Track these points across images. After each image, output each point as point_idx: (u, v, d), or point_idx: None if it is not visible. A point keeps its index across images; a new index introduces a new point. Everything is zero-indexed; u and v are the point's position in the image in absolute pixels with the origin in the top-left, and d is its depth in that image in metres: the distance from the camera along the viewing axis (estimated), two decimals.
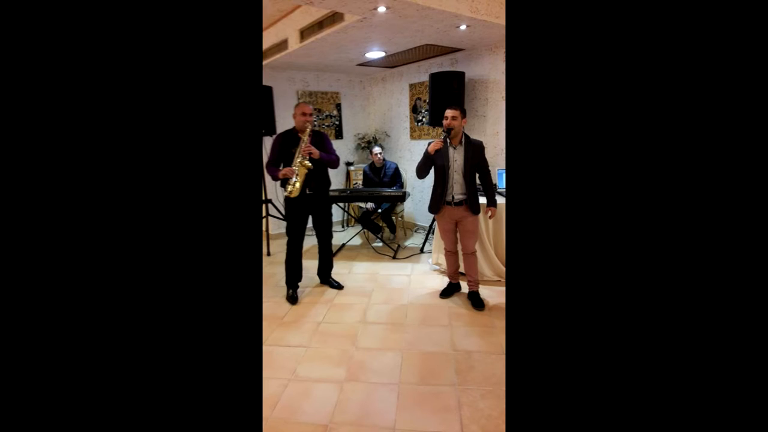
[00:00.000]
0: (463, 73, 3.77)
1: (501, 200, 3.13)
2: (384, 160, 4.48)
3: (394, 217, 4.52)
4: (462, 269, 2.98)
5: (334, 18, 2.96)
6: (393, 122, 5.19)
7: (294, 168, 2.74)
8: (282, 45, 3.73)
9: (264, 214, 4.31)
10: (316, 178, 2.87)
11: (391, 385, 1.98)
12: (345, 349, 2.33)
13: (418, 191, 4.81)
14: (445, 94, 3.62)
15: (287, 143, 2.84)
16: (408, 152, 5.01)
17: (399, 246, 4.26)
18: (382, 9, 2.53)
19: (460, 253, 2.90)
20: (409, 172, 4.70)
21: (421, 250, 4.12)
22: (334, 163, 2.94)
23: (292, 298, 2.99)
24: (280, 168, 2.83)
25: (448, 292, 3.03)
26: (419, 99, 4.70)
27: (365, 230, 4.46)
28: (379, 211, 4.35)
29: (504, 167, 3.61)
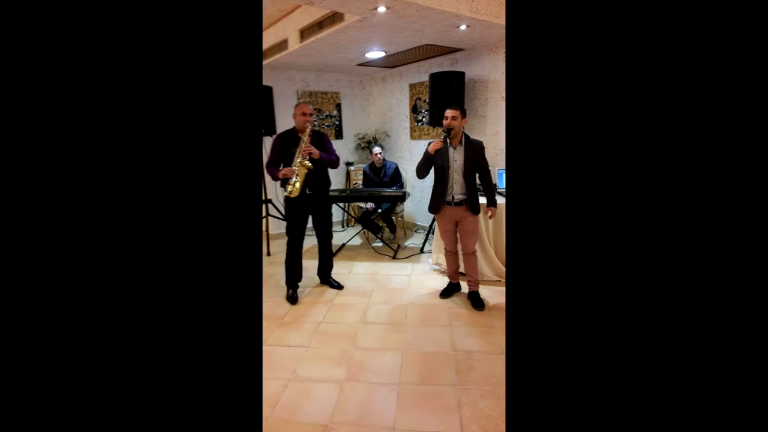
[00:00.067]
0: (463, 73, 3.77)
1: (501, 200, 3.13)
2: (384, 160, 4.48)
3: (394, 217, 4.52)
4: (462, 269, 2.98)
5: (334, 18, 2.96)
6: (393, 122, 5.19)
7: (294, 168, 2.74)
8: (282, 45, 3.73)
9: (264, 214, 4.31)
10: (316, 178, 2.87)
11: (391, 385, 1.98)
12: (345, 349, 2.33)
13: (418, 191, 4.81)
14: (445, 94, 3.62)
15: (287, 143, 2.84)
16: (408, 152, 5.01)
17: (399, 246, 4.26)
18: (382, 9, 2.53)
19: (460, 253, 2.90)
20: (409, 172, 4.70)
21: (421, 250, 4.12)
22: (334, 163, 2.94)
23: (292, 298, 2.99)
24: (280, 168, 2.83)
25: (448, 292, 3.03)
26: (419, 99, 4.70)
27: (365, 230, 4.46)
28: (379, 211, 4.35)
29: (504, 167, 3.61)
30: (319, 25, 3.13)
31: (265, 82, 4.34)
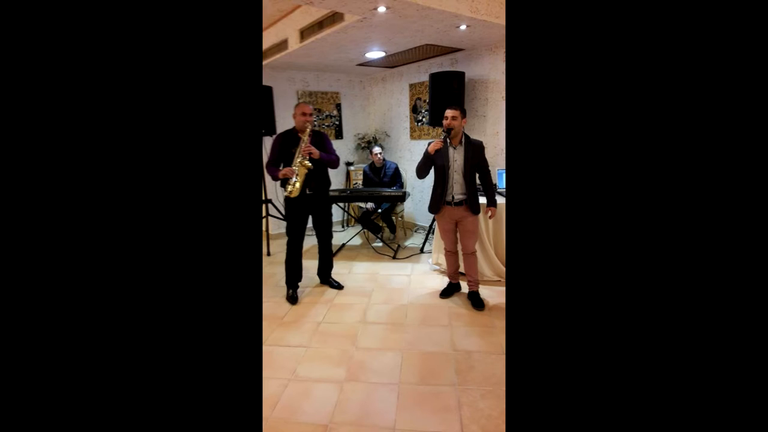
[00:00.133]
0: (463, 73, 3.77)
1: (501, 200, 3.13)
2: (384, 160, 4.48)
3: (394, 217, 4.52)
4: (462, 269, 2.98)
5: (334, 18, 2.96)
6: (393, 122, 5.19)
7: (294, 168, 2.74)
8: (282, 45, 3.73)
9: (264, 214, 4.31)
10: (316, 178, 2.87)
11: (391, 385, 1.98)
12: (345, 349, 2.33)
13: (418, 191, 4.81)
14: (445, 94, 3.62)
15: (287, 143, 2.84)
16: (408, 152, 5.01)
17: (399, 246, 4.26)
18: (382, 9, 2.53)
19: (460, 253, 2.90)
20: (409, 172, 4.70)
21: (421, 250, 4.12)
22: (334, 163, 2.94)
23: (292, 298, 2.99)
24: (280, 168, 2.83)
25: (448, 292, 3.03)
26: (419, 99, 4.70)
27: (365, 230, 4.46)
28: (379, 211, 4.35)
29: (504, 167, 3.61)
30: (319, 25, 3.13)
31: (265, 82, 4.35)
